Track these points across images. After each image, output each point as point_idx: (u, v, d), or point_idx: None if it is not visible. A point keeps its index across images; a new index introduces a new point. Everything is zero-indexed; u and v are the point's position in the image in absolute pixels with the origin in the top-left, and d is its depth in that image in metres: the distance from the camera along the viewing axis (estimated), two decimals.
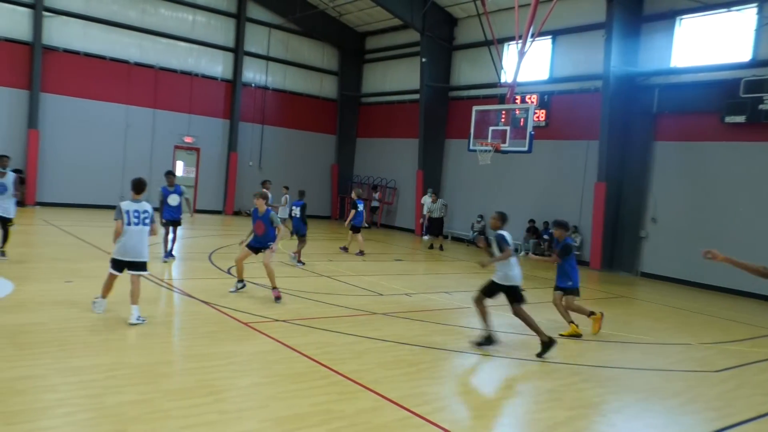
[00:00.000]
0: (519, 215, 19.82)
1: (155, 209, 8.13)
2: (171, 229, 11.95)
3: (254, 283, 9.95)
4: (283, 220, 14.91)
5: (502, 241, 7.53)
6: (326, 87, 26.79)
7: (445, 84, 22.84)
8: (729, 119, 14.81)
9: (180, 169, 23.18)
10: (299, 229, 13.18)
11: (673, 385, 6.82)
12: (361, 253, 15.36)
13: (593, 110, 17.41)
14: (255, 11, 24.27)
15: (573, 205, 18.46)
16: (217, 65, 23.73)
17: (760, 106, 14.22)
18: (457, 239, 21.95)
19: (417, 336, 7.89)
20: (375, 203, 24.62)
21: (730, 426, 5.69)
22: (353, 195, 15.61)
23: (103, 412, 4.63)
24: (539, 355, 7.30)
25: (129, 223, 7.20)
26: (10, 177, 9.85)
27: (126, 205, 7.25)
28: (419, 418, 5.10)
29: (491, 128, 15.01)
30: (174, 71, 22.62)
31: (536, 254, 18.92)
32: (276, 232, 9.28)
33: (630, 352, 8.32)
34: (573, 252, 8.80)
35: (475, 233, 20.96)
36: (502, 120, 14.85)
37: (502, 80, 16.13)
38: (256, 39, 24.43)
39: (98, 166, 20.87)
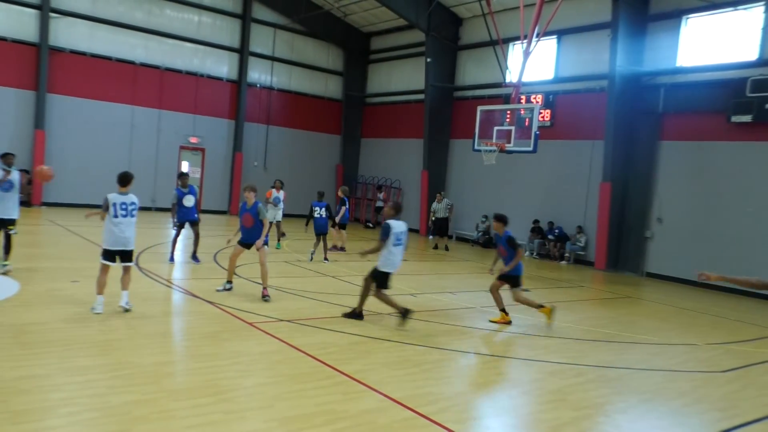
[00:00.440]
0: (523, 215, 19.78)
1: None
2: (192, 230, 11.88)
3: (256, 282, 9.96)
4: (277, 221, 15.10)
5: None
6: (331, 87, 26.81)
7: (449, 84, 22.81)
8: (735, 119, 14.73)
9: (185, 169, 23.22)
10: (322, 228, 13.78)
11: (679, 386, 6.80)
12: (342, 249, 15.41)
13: (598, 110, 17.36)
14: (260, 12, 24.32)
15: (578, 205, 18.41)
16: (223, 66, 23.78)
17: (767, 106, 14.14)
18: (462, 239, 21.92)
19: (421, 336, 7.88)
20: (379, 203, 24.62)
21: (736, 427, 5.66)
22: (339, 193, 15.56)
23: (108, 412, 4.64)
24: (400, 322, 8.02)
25: (116, 215, 7.50)
26: (16, 175, 9.56)
27: (113, 197, 7.57)
28: (424, 419, 5.09)
29: (496, 128, 14.97)
30: (179, 72, 22.69)
31: (537, 256, 18.89)
32: (264, 229, 9.20)
33: (635, 352, 8.28)
34: (517, 244, 9.12)
35: (480, 233, 20.95)
36: (507, 120, 14.80)
37: (507, 80, 16.09)
38: (261, 39, 24.48)
39: (104, 166, 20.82)
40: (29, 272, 9.52)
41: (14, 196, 9.53)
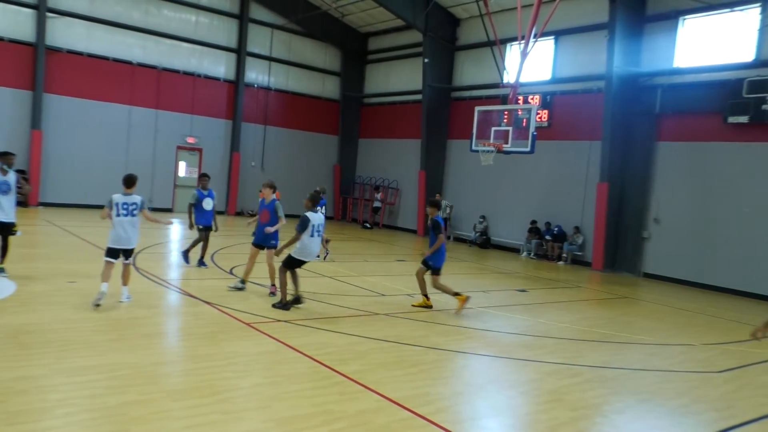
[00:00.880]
0: (521, 216, 19.82)
1: (166, 210, 8.33)
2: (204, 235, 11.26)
3: (255, 283, 9.96)
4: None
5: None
6: (328, 87, 26.81)
7: (447, 84, 22.83)
8: (732, 119, 14.78)
9: (182, 169, 23.22)
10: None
11: (676, 386, 6.81)
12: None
13: (596, 111, 17.40)
14: (258, 12, 24.31)
15: (575, 206, 18.44)
16: (220, 66, 23.77)
17: (763, 107, 14.19)
18: (460, 240, 21.94)
19: (419, 336, 7.89)
20: (377, 204, 24.63)
21: (732, 427, 5.68)
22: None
23: (105, 413, 4.63)
24: (275, 305, 8.56)
25: (118, 214, 7.88)
26: (13, 176, 9.23)
27: (117, 197, 7.94)
28: (421, 419, 5.09)
29: (494, 129, 14.98)
30: (177, 72, 22.67)
31: (538, 255, 18.94)
32: (279, 224, 9.41)
33: (632, 352, 8.30)
34: (441, 229, 9.37)
35: (477, 234, 20.97)
36: (505, 120, 14.81)
37: (505, 81, 16.10)
38: (258, 40, 24.47)
39: (101, 166, 20.90)
40: (26, 272, 9.49)
41: (12, 198, 9.22)
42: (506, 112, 14.94)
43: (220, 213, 23.93)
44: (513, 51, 20.14)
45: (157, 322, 7.80)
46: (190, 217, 11.16)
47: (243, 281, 9.62)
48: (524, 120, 14.49)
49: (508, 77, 15.94)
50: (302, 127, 26.10)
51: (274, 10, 24.48)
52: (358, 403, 5.34)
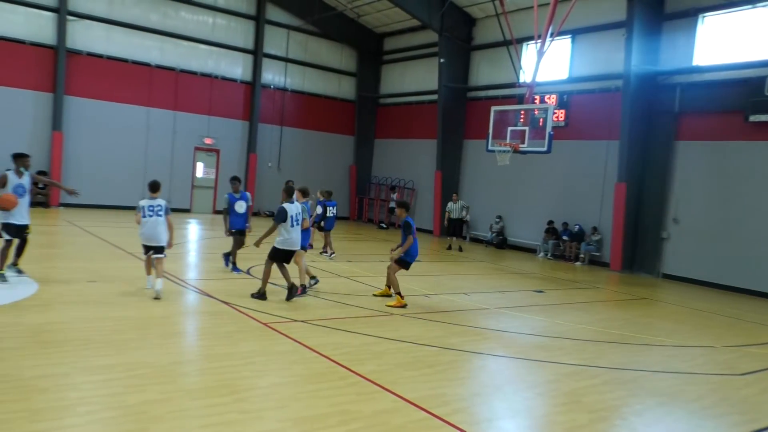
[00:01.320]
0: (538, 216, 19.70)
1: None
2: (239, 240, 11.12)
3: (273, 284, 10.00)
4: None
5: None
6: (344, 88, 26.87)
7: (463, 84, 22.77)
8: (753, 118, 14.56)
9: (200, 170, 23.42)
10: (331, 227, 14.53)
11: (696, 389, 6.73)
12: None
13: (613, 110, 17.24)
14: (274, 13, 24.44)
15: (593, 206, 18.29)
16: (237, 67, 23.92)
17: None
18: (476, 240, 21.86)
19: (435, 337, 7.88)
20: (392, 204, 24.62)
21: (755, 431, 5.59)
22: (319, 195, 15.20)
23: (125, 411, 4.68)
24: (287, 298, 8.98)
25: (145, 216, 8.73)
26: (28, 179, 8.95)
27: (144, 201, 8.80)
28: (438, 420, 5.09)
29: (510, 129, 14.92)
30: (194, 73, 22.86)
31: (555, 255, 18.81)
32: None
33: (651, 354, 8.21)
34: (412, 229, 9.74)
35: (493, 234, 20.88)
36: (521, 120, 14.75)
37: (521, 80, 16.02)
38: (275, 41, 24.59)
39: (120, 167, 21.16)
40: (47, 272, 9.63)
41: (27, 201, 8.97)
42: (522, 112, 14.88)
43: None
44: (529, 50, 20.03)
45: (175, 321, 7.88)
46: (225, 223, 11.09)
47: (313, 277, 10.26)
48: (541, 119, 14.42)
49: (525, 77, 15.86)
50: (318, 127, 26.19)
51: (290, 11, 24.59)
52: (374, 404, 5.34)
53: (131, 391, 5.06)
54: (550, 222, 19.25)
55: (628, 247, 17.07)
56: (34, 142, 19.21)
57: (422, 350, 7.19)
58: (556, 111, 18.57)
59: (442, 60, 22.22)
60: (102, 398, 4.91)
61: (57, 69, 19.97)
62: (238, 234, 11.15)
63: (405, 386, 5.80)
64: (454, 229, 19.05)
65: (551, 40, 14.73)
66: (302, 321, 8.00)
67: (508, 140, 14.88)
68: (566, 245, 18.65)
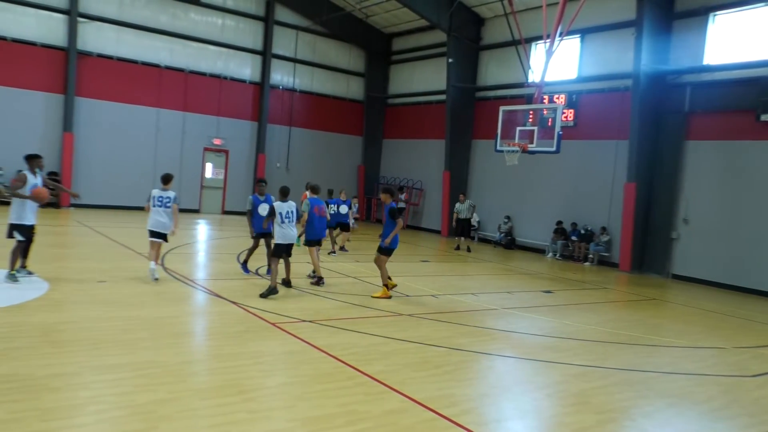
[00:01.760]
0: (547, 216, 19.64)
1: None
2: (264, 242, 10.87)
3: (279, 283, 10.04)
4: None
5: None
6: (353, 88, 26.90)
7: (471, 84, 22.73)
8: (765, 117, 14.45)
9: (209, 171, 23.52)
10: (330, 225, 14.62)
11: (706, 390, 6.68)
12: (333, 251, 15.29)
13: (622, 109, 17.16)
14: (282, 14, 24.51)
15: (602, 206, 18.21)
16: (246, 68, 24.01)
17: None
18: (484, 240, 21.82)
19: (443, 337, 7.87)
20: (401, 204, 24.62)
21: None
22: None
23: (135, 410, 4.72)
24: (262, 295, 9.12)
25: (155, 205, 9.58)
26: (40, 180, 8.99)
27: (155, 192, 9.65)
28: (446, 420, 5.09)
29: (518, 128, 14.89)
30: (203, 74, 22.96)
31: (563, 255, 18.75)
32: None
33: (661, 355, 8.17)
34: (397, 215, 9.91)
35: (502, 234, 20.83)
36: (530, 120, 14.71)
37: (530, 80, 15.98)
38: (283, 42, 24.66)
39: (130, 168, 21.29)
40: (58, 272, 9.71)
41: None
42: (531, 112, 14.84)
43: (244, 214, 24.13)
44: (538, 50, 19.98)
45: (184, 321, 7.92)
46: (250, 225, 10.87)
47: (320, 277, 10.71)
48: (549, 119, 14.38)
49: (533, 77, 15.82)
50: (327, 128, 26.23)
51: (298, 12, 24.65)
52: (382, 404, 5.34)
53: (141, 391, 5.09)
54: (559, 222, 19.18)
55: (637, 247, 16.98)
56: (45, 143, 19.37)
57: (430, 351, 7.19)
58: (565, 111, 18.50)
59: (450, 60, 22.19)
60: (112, 397, 4.94)
61: (68, 70, 20.13)
62: (259, 236, 10.92)
63: (413, 387, 5.80)
64: (462, 230, 19.01)
65: (560, 40, 14.68)
66: (310, 321, 8.02)
67: (516, 140, 14.85)
68: (575, 245, 18.57)
